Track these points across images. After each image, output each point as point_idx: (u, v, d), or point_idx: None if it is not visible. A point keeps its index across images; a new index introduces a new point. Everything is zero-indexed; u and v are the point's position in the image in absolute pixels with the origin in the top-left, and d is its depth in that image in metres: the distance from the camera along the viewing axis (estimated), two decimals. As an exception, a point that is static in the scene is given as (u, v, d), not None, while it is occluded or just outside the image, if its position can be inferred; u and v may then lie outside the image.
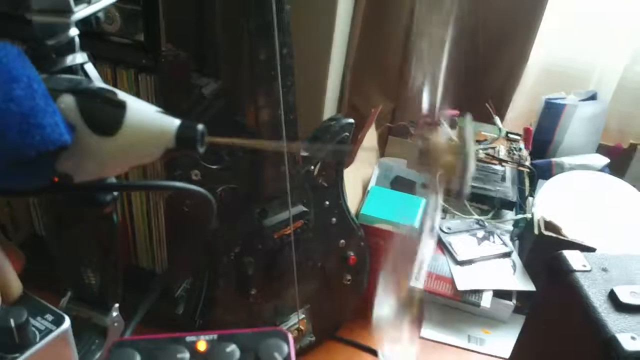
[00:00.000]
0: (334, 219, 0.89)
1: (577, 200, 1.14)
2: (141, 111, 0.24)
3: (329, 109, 1.20)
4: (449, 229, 1.12)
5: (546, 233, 1.04)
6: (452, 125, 1.23)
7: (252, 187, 0.78)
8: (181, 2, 0.78)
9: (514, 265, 1.09)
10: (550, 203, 1.12)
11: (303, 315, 0.91)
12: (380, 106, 1.10)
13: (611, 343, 0.66)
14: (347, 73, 1.27)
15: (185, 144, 0.24)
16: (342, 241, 0.92)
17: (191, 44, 0.81)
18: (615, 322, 0.68)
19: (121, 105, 0.24)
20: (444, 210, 1.16)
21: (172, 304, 0.94)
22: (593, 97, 1.30)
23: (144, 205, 0.89)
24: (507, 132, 1.26)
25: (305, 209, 0.84)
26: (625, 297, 0.71)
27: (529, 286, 1.04)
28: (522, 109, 1.40)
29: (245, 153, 0.74)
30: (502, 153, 1.20)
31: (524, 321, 0.88)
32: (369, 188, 1.07)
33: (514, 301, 1.04)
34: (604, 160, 1.24)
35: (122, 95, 0.25)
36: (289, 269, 0.85)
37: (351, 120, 0.85)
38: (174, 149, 0.24)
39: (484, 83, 1.33)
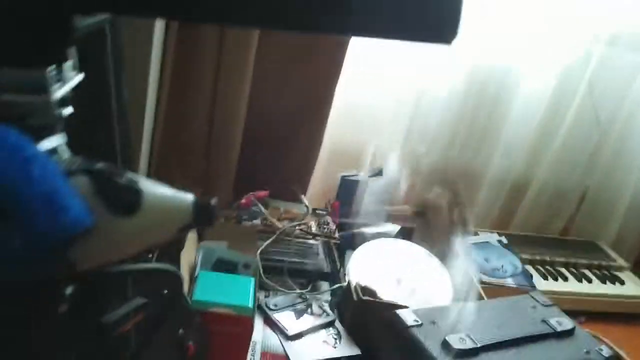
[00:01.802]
0: (172, 308, 0.84)
1: (382, 264, 1.25)
2: (156, 188, 0.23)
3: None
4: (275, 305, 1.14)
5: (364, 298, 1.12)
6: (266, 205, 1.29)
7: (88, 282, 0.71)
8: None
9: (338, 333, 1.14)
10: (362, 270, 1.21)
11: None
12: (199, 191, 1.10)
13: (454, 387, 0.74)
14: (153, 162, 1.24)
15: (203, 219, 0.23)
16: (181, 330, 0.87)
17: None
18: (453, 368, 0.77)
19: (136, 184, 0.22)
20: (267, 288, 1.18)
21: None
22: (380, 173, 1.46)
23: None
24: (314, 209, 1.35)
25: (145, 300, 0.78)
26: (456, 344, 0.80)
27: (355, 350, 1.10)
28: (320, 186, 1.51)
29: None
30: (314, 228, 1.27)
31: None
32: (196, 273, 1.04)
33: (344, 367, 1.09)
34: (396, 227, 1.40)
35: (132, 175, 0.23)
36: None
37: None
38: (189, 225, 0.23)
39: (286, 165, 1.41)
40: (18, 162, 0.19)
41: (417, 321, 0.84)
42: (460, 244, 1.19)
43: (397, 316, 0.85)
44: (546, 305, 0.95)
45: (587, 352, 0.84)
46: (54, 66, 0.25)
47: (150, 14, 0.29)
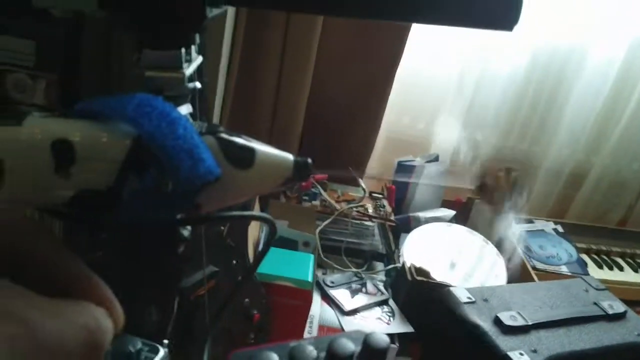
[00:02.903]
0: (239, 278, 0.91)
1: (436, 247, 1.29)
2: (265, 147, 0.28)
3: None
4: (332, 282, 1.20)
5: (418, 278, 1.17)
6: (324, 188, 1.34)
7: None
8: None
9: (392, 311, 1.19)
10: (416, 252, 1.26)
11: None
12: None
13: (505, 360, 0.78)
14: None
15: (302, 173, 0.29)
16: (247, 300, 0.94)
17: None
18: (504, 343, 0.80)
19: (250, 143, 0.28)
20: (325, 266, 1.24)
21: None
22: (436, 159, 1.49)
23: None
24: (371, 192, 1.40)
25: (216, 269, 0.85)
26: (507, 320, 0.84)
27: (408, 328, 1.14)
28: (377, 171, 1.56)
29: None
30: (370, 211, 1.32)
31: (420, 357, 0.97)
32: (259, 249, 1.11)
33: (397, 344, 1.13)
34: (451, 212, 1.43)
35: (246, 136, 0.29)
36: (202, 332, 0.85)
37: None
38: (290, 178, 0.28)
39: (344, 150, 1.46)
40: (166, 123, 0.25)
41: (470, 298, 0.88)
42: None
43: (451, 293, 0.89)
44: (598, 289, 0.97)
45: (639, 335, 0.86)
46: (185, 49, 0.32)
47: (262, 6, 0.35)
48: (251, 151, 0.28)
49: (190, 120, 0.29)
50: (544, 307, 0.90)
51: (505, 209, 1.30)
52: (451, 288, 0.90)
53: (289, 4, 0.30)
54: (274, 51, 1.28)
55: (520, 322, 0.84)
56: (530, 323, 0.84)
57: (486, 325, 0.83)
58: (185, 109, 0.33)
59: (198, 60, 0.35)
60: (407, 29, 1.33)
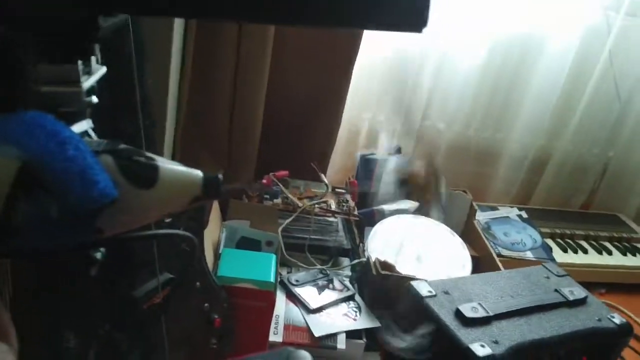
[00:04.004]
0: (197, 283, 0.89)
1: (401, 240, 1.29)
2: (170, 165, 0.26)
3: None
4: (297, 281, 1.18)
5: (383, 272, 1.16)
6: (286, 185, 1.32)
7: (119, 258, 0.76)
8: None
9: (358, 306, 1.18)
10: (381, 245, 1.25)
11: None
12: (222, 170, 1.14)
13: (467, 353, 0.77)
14: (177, 140, 1.29)
15: (211, 191, 0.27)
16: (207, 305, 0.92)
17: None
18: (465, 335, 0.80)
19: (153, 161, 0.26)
20: (289, 265, 1.22)
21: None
22: (398, 151, 1.49)
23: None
24: (334, 187, 1.38)
25: (171, 275, 0.83)
26: (468, 312, 0.83)
27: (375, 323, 1.14)
28: (339, 165, 1.55)
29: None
30: (333, 206, 1.31)
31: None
32: (219, 251, 1.09)
33: (364, 339, 1.12)
34: (415, 204, 1.42)
35: (149, 154, 0.27)
36: (160, 341, 0.83)
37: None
38: (200, 196, 0.27)
39: (306, 146, 1.45)
40: (55, 144, 0.23)
41: (431, 292, 0.88)
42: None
43: (412, 287, 0.89)
44: (559, 276, 0.97)
45: (599, 320, 0.87)
46: (82, 61, 0.30)
47: (164, 14, 0.33)
48: (154, 169, 0.26)
49: (94, 135, 0.27)
50: (505, 296, 0.90)
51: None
52: (412, 282, 0.90)
53: (191, 11, 0.28)
54: (227, 54, 1.25)
55: (481, 313, 0.83)
56: (491, 314, 0.84)
57: (447, 318, 0.82)
58: (85, 124, 0.31)
59: (100, 71, 0.33)
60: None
